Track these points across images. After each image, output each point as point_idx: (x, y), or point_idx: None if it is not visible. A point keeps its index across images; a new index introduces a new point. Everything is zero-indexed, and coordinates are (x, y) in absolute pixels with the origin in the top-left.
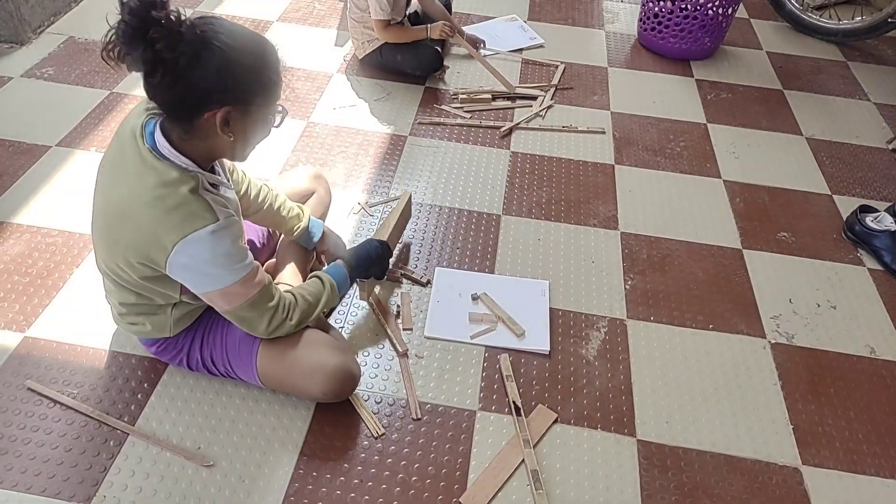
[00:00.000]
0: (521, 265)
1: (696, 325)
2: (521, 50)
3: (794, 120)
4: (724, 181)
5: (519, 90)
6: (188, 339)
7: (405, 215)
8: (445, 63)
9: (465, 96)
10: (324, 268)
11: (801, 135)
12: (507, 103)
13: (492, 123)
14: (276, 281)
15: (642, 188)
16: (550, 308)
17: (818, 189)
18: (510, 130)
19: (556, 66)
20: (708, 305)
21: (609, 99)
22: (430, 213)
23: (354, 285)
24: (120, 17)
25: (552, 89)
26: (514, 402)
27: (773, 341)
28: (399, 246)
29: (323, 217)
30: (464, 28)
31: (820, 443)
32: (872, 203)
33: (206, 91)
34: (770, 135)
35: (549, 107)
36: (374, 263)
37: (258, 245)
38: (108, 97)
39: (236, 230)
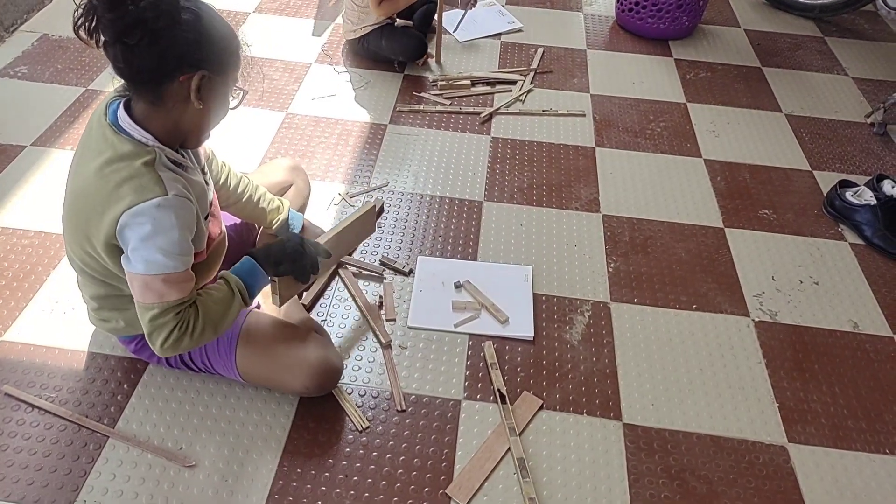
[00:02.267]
0: (503, 251)
1: (679, 305)
2: (499, 34)
3: (774, 97)
4: (705, 160)
5: (498, 74)
6: None
7: (363, 226)
8: (429, 50)
9: (444, 83)
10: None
11: (781, 111)
12: (487, 89)
13: (472, 109)
14: None
15: (623, 170)
16: (534, 293)
17: (799, 165)
18: (490, 116)
19: (536, 50)
20: (691, 286)
21: (588, 81)
22: (412, 201)
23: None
24: None
25: (531, 73)
26: (498, 391)
27: (756, 319)
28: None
29: (302, 209)
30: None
31: (805, 420)
32: (852, 178)
33: (185, 51)
34: (750, 112)
35: (529, 91)
36: (287, 259)
37: (236, 239)
38: (83, 94)
39: (186, 215)
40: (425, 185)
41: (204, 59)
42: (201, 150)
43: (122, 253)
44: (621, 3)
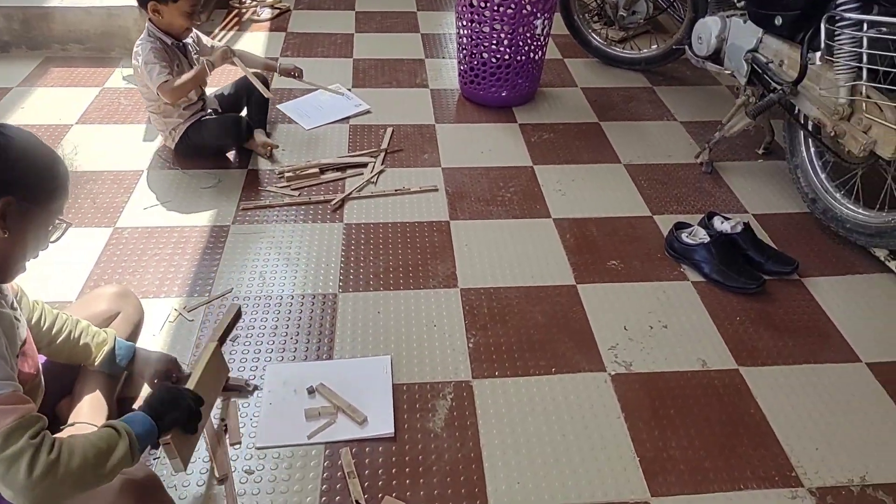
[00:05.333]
0: (361, 343)
1: (539, 371)
2: (347, 118)
3: (613, 149)
4: (554, 220)
5: (348, 159)
6: None
7: (216, 367)
8: (273, 140)
9: (291, 174)
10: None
11: (620, 162)
12: (338, 175)
13: (322, 197)
14: (71, 419)
15: (478, 240)
16: (394, 385)
17: (640, 212)
18: (342, 202)
19: (385, 130)
20: (550, 348)
21: (439, 155)
22: (259, 305)
23: None
24: None
25: (382, 154)
26: (357, 502)
27: (612, 373)
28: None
29: (134, 337)
30: (280, 106)
31: (666, 470)
32: (687, 218)
33: None
34: (592, 167)
35: (381, 172)
36: (172, 407)
37: (50, 379)
38: None
39: None
40: (273, 286)
41: (11, 185)
42: (9, 286)
43: None
44: (463, 76)
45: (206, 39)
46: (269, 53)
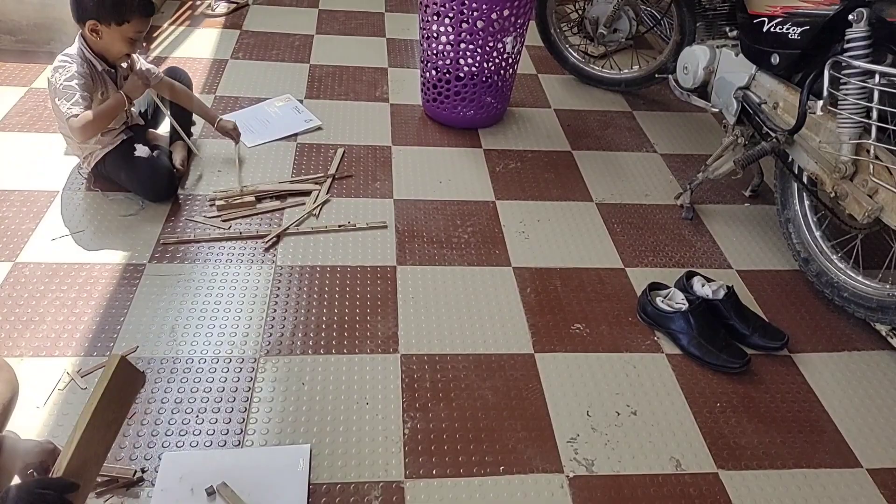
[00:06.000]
0: (279, 425)
1: (485, 470)
2: (295, 135)
3: (584, 184)
4: (515, 269)
5: (289, 185)
6: None
7: (104, 422)
8: (200, 156)
9: (222, 202)
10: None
11: (592, 200)
12: (276, 204)
13: (255, 231)
14: None
15: (427, 292)
16: (311, 484)
17: (611, 263)
18: (277, 238)
19: (336, 151)
20: (499, 439)
21: (392, 184)
22: (163, 369)
23: None
24: None
25: (328, 180)
26: None
27: (571, 475)
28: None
29: (3, 419)
30: (225, 117)
31: None
32: (663, 273)
33: None
34: (560, 205)
35: (325, 202)
36: None
37: None
38: None
39: None
40: (183, 344)
41: None
42: None
43: None
44: (425, 93)
45: (141, 62)
46: (219, 55)
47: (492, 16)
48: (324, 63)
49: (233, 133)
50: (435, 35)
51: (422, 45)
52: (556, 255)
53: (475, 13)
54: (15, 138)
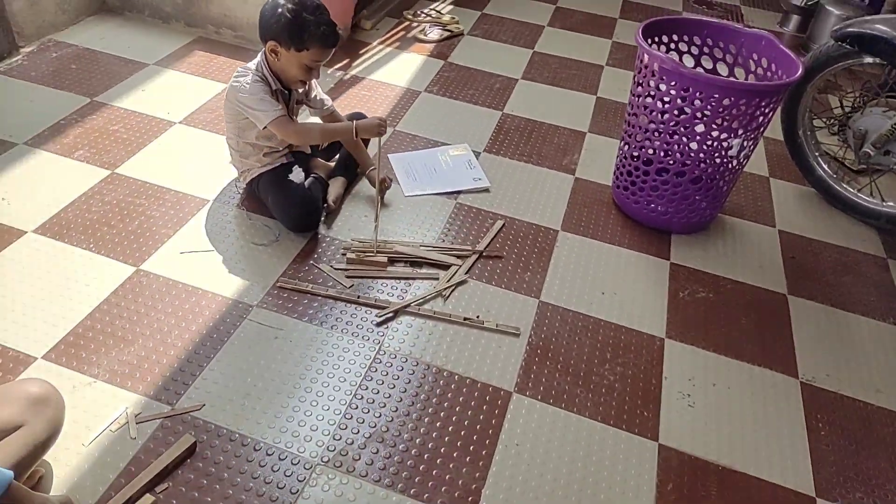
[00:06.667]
0: None
1: None
2: (458, 193)
3: (793, 348)
4: (661, 446)
5: (430, 251)
6: None
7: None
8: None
9: (354, 255)
10: None
11: (797, 376)
12: (409, 270)
13: (376, 299)
14: None
15: (538, 441)
16: None
17: (797, 483)
18: (394, 314)
19: (495, 222)
20: None
21: (544, 280)
22: (213, 445)
23: None
24: None
25: (474, 257)
26: None
27: None
28: None
29: (32, 460)
30: (396, 156)
31: None
32: None
33: None
34: (750, 370)
35: (461, 283)
36: None
37: None
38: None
39: None
40: (247, 420)
41: None
42: None
43: None
44: (618, 176)
45: (317, 90)
46: (415, 84)
47: (718, 109)
48: (517, 113)
49: (381, 186)
50: (645, 109)
51: (627, 115)
52: (724, 444)
53: (698, 102)
54: (194, 135)
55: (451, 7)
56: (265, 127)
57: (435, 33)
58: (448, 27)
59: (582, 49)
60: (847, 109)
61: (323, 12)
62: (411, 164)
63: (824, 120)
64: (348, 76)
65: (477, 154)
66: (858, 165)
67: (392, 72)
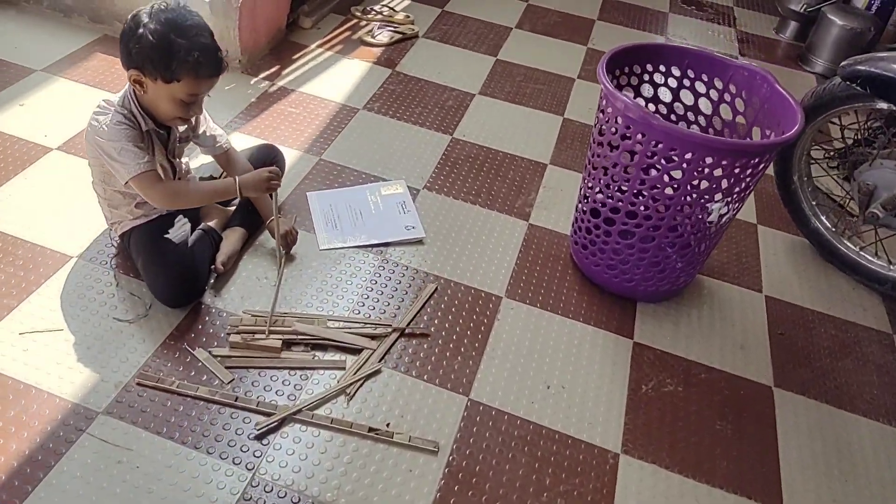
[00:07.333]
0: None
1: None
2: (386, 245)
3: (777, 463)
4: None
5: (336, 334)
6: None
7: None
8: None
9: (238, 338)
10: None
11: (781, 501)
12: (308, 357)
13: (261, 400)
14: None
15: None
16: None
17: None
18: (278, 424)
19: (425, 286)
20: None
21: (477, 369)
22: None
23: None
24: None
25: (394, 336)
26: None
27: None
28: None
29: None
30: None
31: None
32: None
33: None
34: (723, 499)
35: (374, 374)
36: None
37: None
38: None
39: None
40: None
41: None
42: None
43: None
44: (577, 231)
45: (208, 125)
46: (352, 101)
47: (695, 169)
48: (469, 139)
49: (285, 239)
50: (607, 160)
51: (588, 161)
52: None
53: (673, 161)
54: (71, 166)
55: (407, 3)
56: (126, 183)
57: (385, 35)
58: (401, 28)
59: (552, 57)
60: (850, 142)
61: (198, 33)
62: (333, 207)
63: (823, 147)
64: (275, 87)
65: (415, 192)
66: (863, 224)
67: (328, 83)
